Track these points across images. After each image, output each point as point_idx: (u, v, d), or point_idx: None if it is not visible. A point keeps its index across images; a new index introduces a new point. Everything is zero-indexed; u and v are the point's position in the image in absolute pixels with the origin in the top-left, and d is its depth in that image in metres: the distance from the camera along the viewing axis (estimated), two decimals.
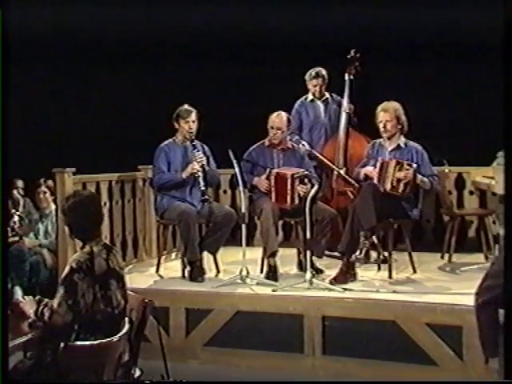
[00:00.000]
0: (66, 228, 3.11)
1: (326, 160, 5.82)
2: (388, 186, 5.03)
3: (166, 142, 5.54)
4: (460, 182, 6.66)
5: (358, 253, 4.97)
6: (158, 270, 5.58)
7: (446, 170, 6.25)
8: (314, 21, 7.05)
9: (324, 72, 6.33)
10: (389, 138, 5.35)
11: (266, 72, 6.91)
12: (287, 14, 7.00)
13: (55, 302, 2.86)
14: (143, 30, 6.66)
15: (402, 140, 5.35)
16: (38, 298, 3.03)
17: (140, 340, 3.18)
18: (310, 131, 6.42)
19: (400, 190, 5.02)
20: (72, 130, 6.93)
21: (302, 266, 5.48)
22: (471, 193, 6.59)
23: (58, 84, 6.71)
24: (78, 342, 2.68)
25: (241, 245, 5.13)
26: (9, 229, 5.94)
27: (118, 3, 6.56)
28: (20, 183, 7.09)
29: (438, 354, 4.23)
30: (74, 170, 5.29)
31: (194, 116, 5.46)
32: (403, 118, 5.33)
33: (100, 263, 2.94)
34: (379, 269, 5.48)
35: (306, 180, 5.23)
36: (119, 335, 2.67)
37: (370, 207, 4.95)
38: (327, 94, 6.43)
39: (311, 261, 5.09)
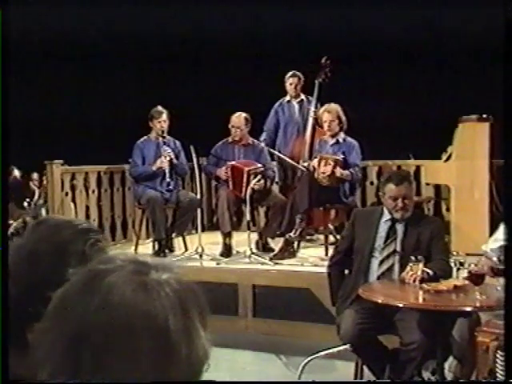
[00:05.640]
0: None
1: (282, 156, 6.71)
2: (317, 178, 5.84)
3: (142, 139, 6.50)
4: (419, 174, 7.37)
5: (292, 233, 5.79)
6: (136, 249, 6.51)
7: (390, 163, 6.97)
8: (288, 27, 7.83)
9: (300, 73, 7.15)
10: (332, 136, 6.15)
11: (242, 75, 7.73)
12: (259, 19, 7.77)
13: None
14: (135, 33, 7.49)
15: (342, 136, 6.16)
16: None
17: None
18: (285, 128, 7.26)
19: (325, 182, 5.80)
20: (74, 129, 7.90)
21: (258, 246, 6.35)
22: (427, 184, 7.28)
23: (57, 84, 7.61)
24: None
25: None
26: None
27: (114, 6, 7.40)
28: (35, 176, 8.18)
29: None
30: (61, 161, 6.28)
31: (165, 116, 6.39)
32: (343, 118, 6.14)
33: None
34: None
35: (260, 176, 6.05)
36: None
37: (304, 194, 5.80)
38: (302, 96, 7.23)
39: (263, 240, 6.04)
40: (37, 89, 7.52)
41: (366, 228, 3.79)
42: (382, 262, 3.69)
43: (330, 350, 2.73)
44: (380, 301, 3.18)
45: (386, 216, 3.77)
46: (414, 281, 3.36)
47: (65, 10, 7.02)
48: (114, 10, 7.21)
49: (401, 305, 3.09)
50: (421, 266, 3.36)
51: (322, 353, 2.73)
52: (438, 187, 7.15)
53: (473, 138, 5.87)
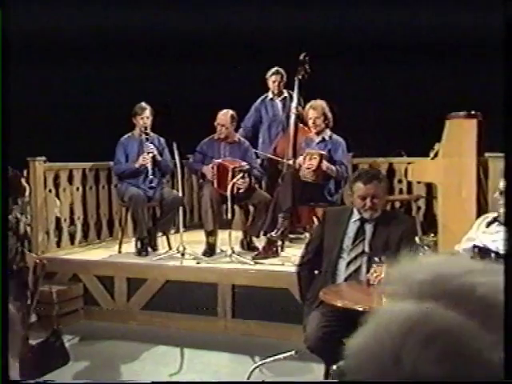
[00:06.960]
0: None
1: (270, 155, 6.60)
2: (302, 174, 5.72)
3: (125, 136, 6.41)
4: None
5: (274, 232, 5.67)
6: (120, 247, 6.41)
7: (379, 161, 6.85)
8: (270, 23, 7.70)
9: (282, 70, 7.01)
10: (317, 133, 6.03)
11: (227, 72, 7.62)
12: (242, 15, 7.65)
13: None
14: (119, 30, 7.36)
15: (328, 133, 6.03)
16: None
17: (36, 290, 4.06)
18: (269, 127, 7.12)
19: (310, 177, 5.68)
20: (64, 128, 7.79)
21: (242, 244, 6.25)
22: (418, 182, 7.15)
23: (42, 81, 7.51)
24: None
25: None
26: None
27: (96, 2, 7.30)
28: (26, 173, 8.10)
29: None
30: (44, 158, 6.20)
31: (148, 112, 6.28)
32: (329, 114, 6.00)
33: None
34: None
35: (245, 174, 5.95)
36: None
37: (288, 192, 5.68)
38: (286, 93, 7.09)
39: (247, 239, 5.96)
40: (21, 85, 7.43)
41: (335, 228, 3.68)
42: (349, 263, 3.58)
43: (278, 356, 2.63)
44: (339, 304, 3.07)
45: (356, 216, 3.66)
46: (379, 282, 3.25)
47: (51, 8, 6.93)
48: (97, 7, 7.13)
49: (360, 308, 2.97)
50: (385, 267, 3.25)
51: (269, 359, 2.63)
52: (430, 185, 7.03)
53: (460, 135, 5.72)
